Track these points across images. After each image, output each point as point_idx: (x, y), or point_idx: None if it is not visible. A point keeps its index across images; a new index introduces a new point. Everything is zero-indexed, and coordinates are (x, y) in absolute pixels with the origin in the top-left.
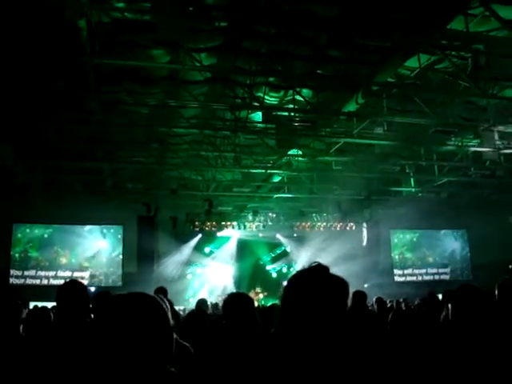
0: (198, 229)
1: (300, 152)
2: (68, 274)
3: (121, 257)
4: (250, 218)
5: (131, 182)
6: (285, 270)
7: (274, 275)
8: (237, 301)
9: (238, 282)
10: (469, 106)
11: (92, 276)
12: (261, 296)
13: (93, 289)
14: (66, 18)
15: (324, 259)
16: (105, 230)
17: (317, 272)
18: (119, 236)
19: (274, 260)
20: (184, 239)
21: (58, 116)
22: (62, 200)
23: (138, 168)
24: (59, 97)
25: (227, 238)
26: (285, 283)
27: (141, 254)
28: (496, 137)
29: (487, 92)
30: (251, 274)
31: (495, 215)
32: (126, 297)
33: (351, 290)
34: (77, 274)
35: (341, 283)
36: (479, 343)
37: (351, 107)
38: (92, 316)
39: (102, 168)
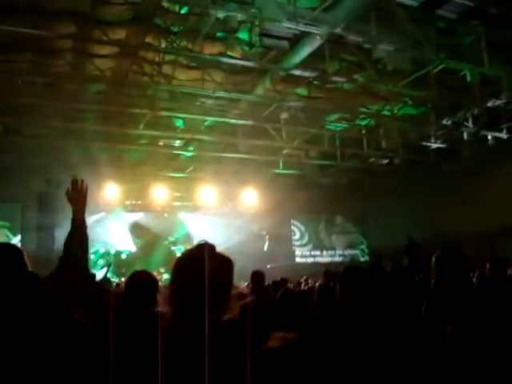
0: (101, 206)
1: (207, 136)
2: None
3: (19, 237)
4: (154, 197)
5: (32, 158)
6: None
7: (179, 255)
8: (141, 280)
9: (141, 262)
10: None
11: None
12: (165, 276)
13: None
14: None
15: (226, 240)
16: (3, 209)
17: (202, 250)
18: (18, 215)
19: (179, 240)
20: (88, 217)
21: None
22: None
23: (39, 143)
24: None
25: (131, 217)
26: None
27: (40, 232)
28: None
29: (388, 82)
30: (155, 254)
31: (392, 201)
32: None
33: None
34: None
35: (225, 261)
36: (365, 324)
37: (259, 91)
38: None
39: (0, 142)
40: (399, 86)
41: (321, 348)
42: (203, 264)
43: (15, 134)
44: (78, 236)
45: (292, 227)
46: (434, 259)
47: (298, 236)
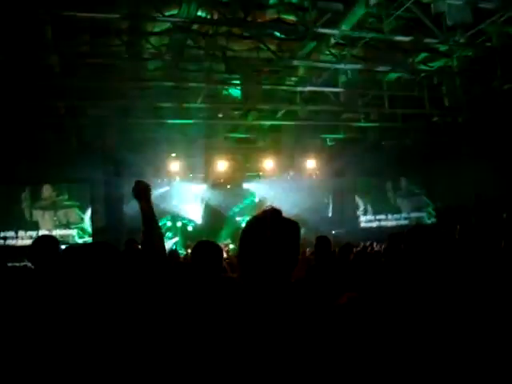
0: (164, 180)
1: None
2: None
3: (89, 215)
4: (217, 169)
5: (97, 138)
6: None
7: (247, 221)
8: (205, 248)
9: (207, 234)
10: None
11: (62, 236)
12: (231, 246)
13: (63, 246)
14: None
15: (290, 208)
16: (72, 189)
17: (269, 216)
18: (87, 194)
19: (243, 211)
20: (153, 190)
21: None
22: (24, 159)
23: (102, 123)
24: (15, 51)
25: (194, 190)
26: None
27: (109, 209)
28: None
29: (449, 39)
30: (221, 225)
31: (459, 161)
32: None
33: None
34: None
35: (291, 224)
36: (429, 285)
37: (316, 56)
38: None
39: (65, 125)
40: (461, 40)
41: (381, 307)
42: (270, 228)
43: (79, 115)
44: (153, 231)
45: (356, 190)
46: (505, 215)
47: (361, 207)
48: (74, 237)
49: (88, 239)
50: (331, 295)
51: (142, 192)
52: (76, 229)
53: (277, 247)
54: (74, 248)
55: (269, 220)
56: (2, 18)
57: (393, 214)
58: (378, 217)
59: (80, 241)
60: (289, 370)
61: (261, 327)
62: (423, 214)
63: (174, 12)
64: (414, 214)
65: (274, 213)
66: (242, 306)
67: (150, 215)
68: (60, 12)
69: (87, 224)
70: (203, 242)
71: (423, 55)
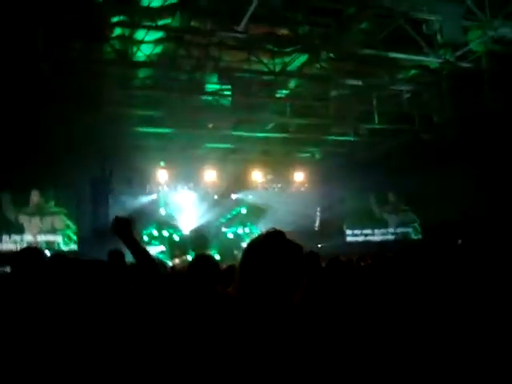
0: (152, 188)
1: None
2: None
3: (75, 221)
4: (205, 179)
5: (84, 144)
6: (240, 231)
7: (230, 236)
8: (203, 262)
9: (193, 244)
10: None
11: (47, 242)
12: (217, 257)
13: (48, 253)
14: None
15: (278, 219)
16: (59, 196)
17: (273, 238)
18: (73, 199)
19: (231, 222)
20: (141, 199)
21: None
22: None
23: (91, 129)
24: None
25: (182, 199)
26: (244, 245)
27: (95, 216)
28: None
29: (440, 57)
30: (207, 236)
31: (447, 177)
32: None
33: (305, 251)
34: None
35: (296, 248)
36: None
37: (307, 69)
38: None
39: (54, 130)
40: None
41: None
42: (273, 251)
43: (68, 121)
44: (143, 263)
45: (342, 204)
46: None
47: (348, 221)
48: (59, 244)
49: (73, 246)
50: (326, 315)
51: (122, 229)
52: (62, 235)
53: (280, 270)
54: (63, 259)
55: (273, 244)
56: None
57: (379, 228)
58: (364, 231)
59: (65, 248)
60: None
61: (259, 348)
62: (409, 230)
63: (168, 21)
64: (400, 230)
65: (278, 235)
66: (241, 325)
67: (134, 249)
68: (52, 15)
69: (73, 231)
70: (202, 257)
71: (413, 72)
